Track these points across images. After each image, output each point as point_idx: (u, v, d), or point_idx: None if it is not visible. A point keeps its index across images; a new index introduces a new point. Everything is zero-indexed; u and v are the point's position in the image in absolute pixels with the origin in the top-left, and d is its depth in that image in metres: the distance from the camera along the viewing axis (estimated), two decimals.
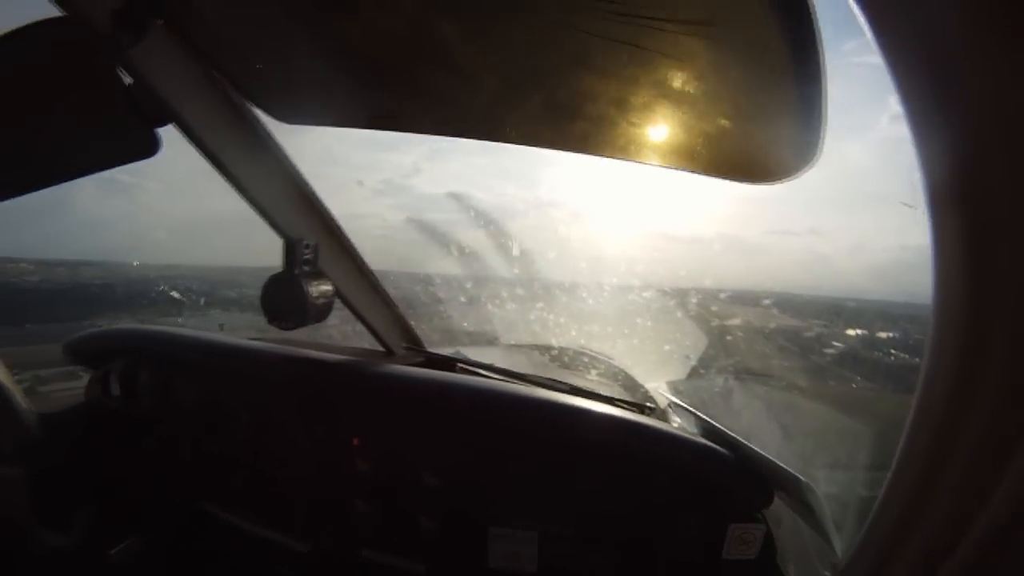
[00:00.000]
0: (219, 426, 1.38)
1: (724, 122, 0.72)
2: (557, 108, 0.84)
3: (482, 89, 0.84)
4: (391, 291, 1.55)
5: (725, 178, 0.87)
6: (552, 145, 0.93)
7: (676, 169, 0.89)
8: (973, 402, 0.54)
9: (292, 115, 1.07)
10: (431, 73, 0.86)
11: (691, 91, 0.69)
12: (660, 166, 0.90)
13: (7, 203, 1.16)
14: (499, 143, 0.97)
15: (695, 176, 0.87)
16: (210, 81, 1.00)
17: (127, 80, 0.91)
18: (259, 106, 1.07)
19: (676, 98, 0.72)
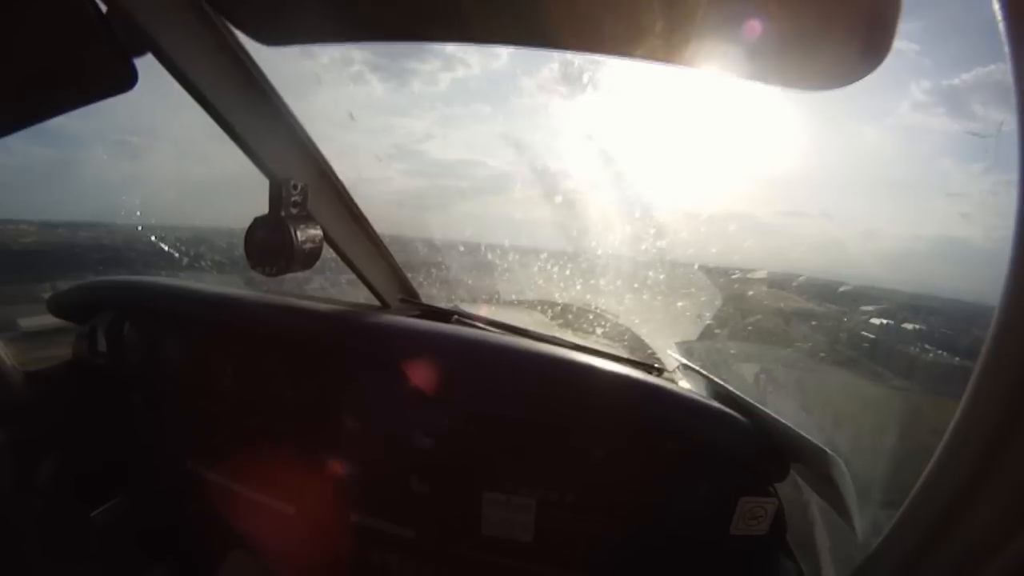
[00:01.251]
0: (206, 382, 1.33)
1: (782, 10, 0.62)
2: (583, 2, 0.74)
3: None
4: (400, 254, 1.48)
5: (779, 83, 0.76)
6: (581, 47, 0.84)
7: (723, 72, 0.79)
8: None
9: (279, 35, 0.98)
10: None
11: None
12: (705, 68, 0.79)
13: (20, 167, 1.09)
14: (509, 46, 0.88)
15: (741, 84, 0.78)
16: (189, 4, 0.92)
17: (102, 7, 0.83)
18: (243, 30, 0.98)
19: None
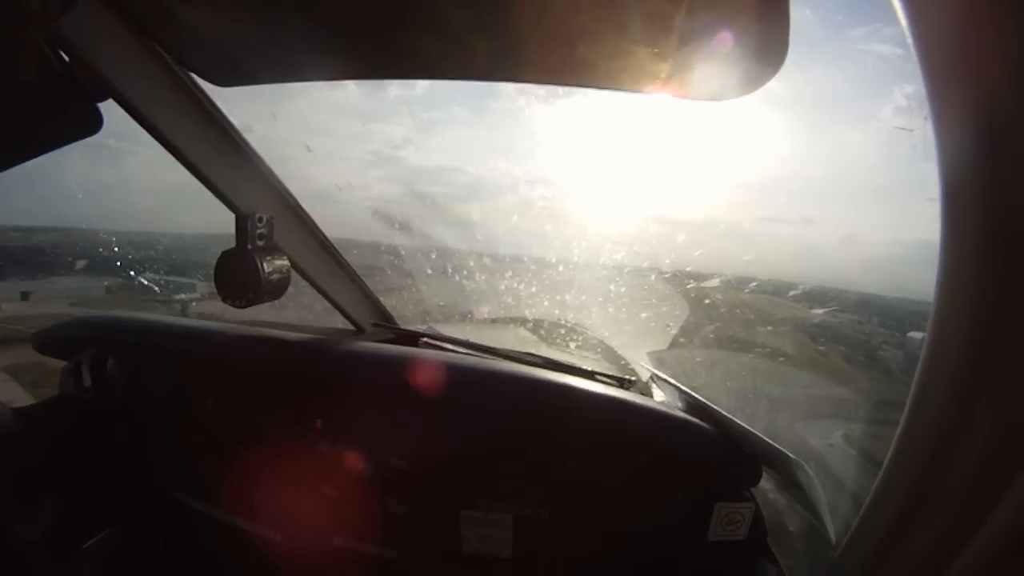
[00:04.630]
0: (188, 413, 1.35)
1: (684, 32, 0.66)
2: (508, 35, 0.78)
3: (431, 20, 0.77)
4: (376, 264, 1.50)
5: (690, 97, 0.80)
6: (510, 77, 0.88)
7: (637, 91, 0.84)
8: (981, 400, 0.51)
9: (233, 78, 1.01)
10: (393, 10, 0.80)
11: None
12: (625, 90, 0.85)
13: None
14: (455, 80, 0.93)
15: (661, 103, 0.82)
16: (147, 51, 0.94)
17: (63, 54, 0.86)
18: (198, 73, 1.01)
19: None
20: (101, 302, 2.73)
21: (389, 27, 0.83)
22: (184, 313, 2.51)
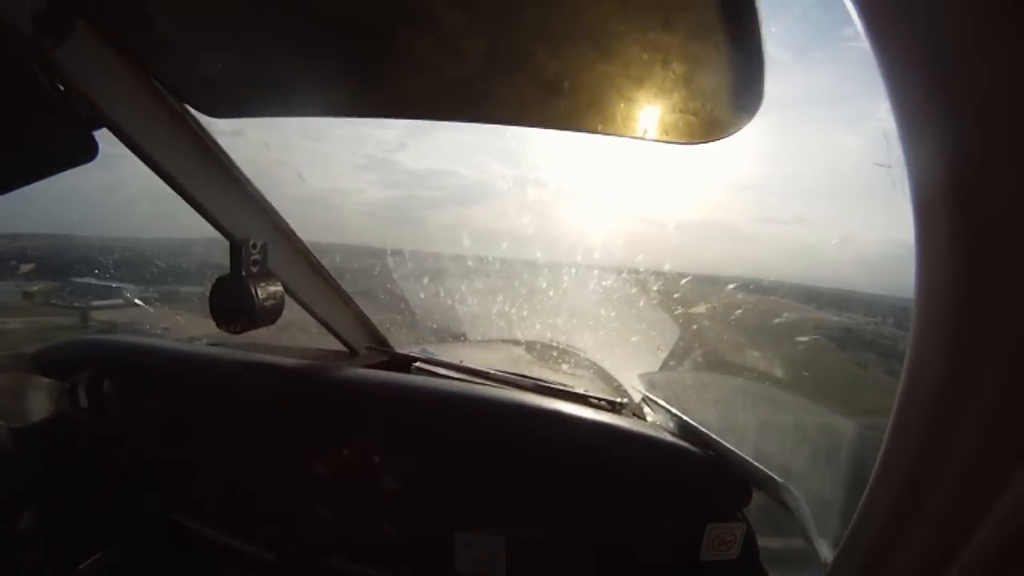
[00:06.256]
0: (184, 436, 1.35)
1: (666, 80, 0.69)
2: (500, 78, 0.80)
3: (419, 66, 0.80)
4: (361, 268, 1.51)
5: (675, 141, 0.82)
6: (504, 120, 0.92)
7: (623, 136, 0.86)
8: (964, 410, 0.50)
9: (226, 110, 1.02)
10: (381, 52, 0.82)
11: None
12: (608, 134, 0.87)
13: None
14: (444, 121, 0.96)
15: (649, 145, 0.85)
16: (140, 81, 0.96)
17: (58, 84, 0.88)
18: (192, 105, 1.02)
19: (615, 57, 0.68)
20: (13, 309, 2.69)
21: (381, 66, 0.84)
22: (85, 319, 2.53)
